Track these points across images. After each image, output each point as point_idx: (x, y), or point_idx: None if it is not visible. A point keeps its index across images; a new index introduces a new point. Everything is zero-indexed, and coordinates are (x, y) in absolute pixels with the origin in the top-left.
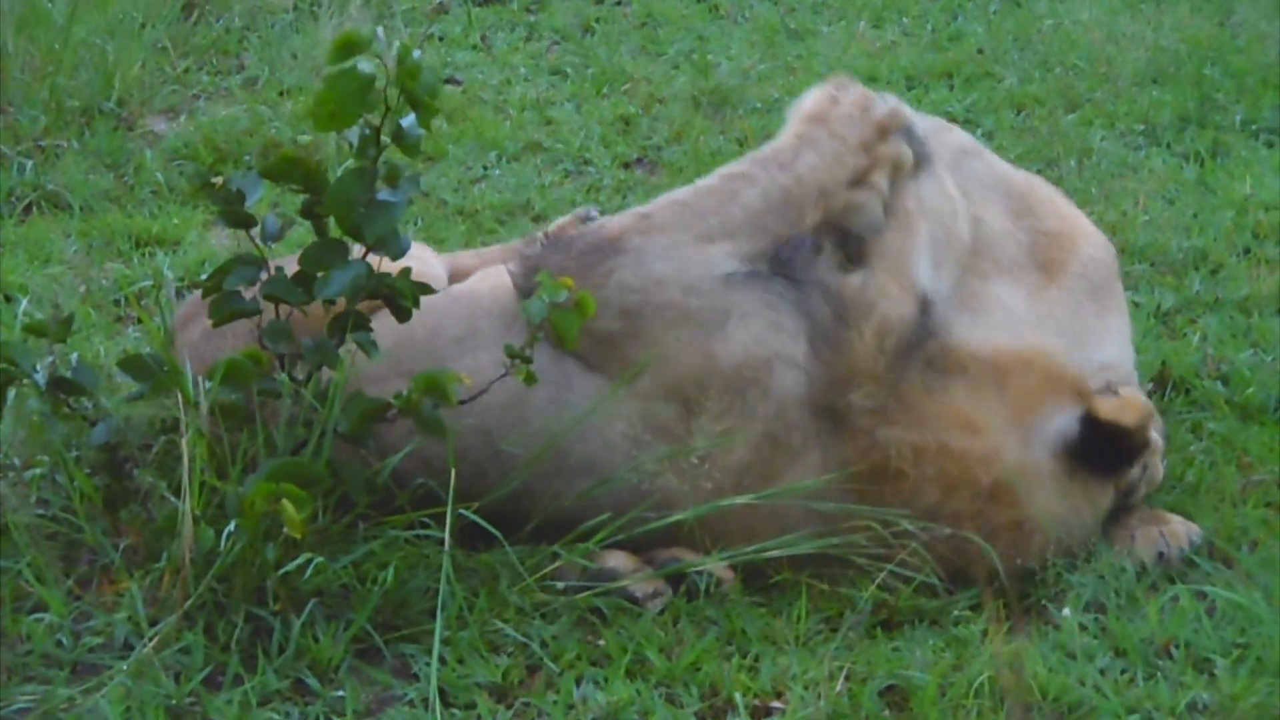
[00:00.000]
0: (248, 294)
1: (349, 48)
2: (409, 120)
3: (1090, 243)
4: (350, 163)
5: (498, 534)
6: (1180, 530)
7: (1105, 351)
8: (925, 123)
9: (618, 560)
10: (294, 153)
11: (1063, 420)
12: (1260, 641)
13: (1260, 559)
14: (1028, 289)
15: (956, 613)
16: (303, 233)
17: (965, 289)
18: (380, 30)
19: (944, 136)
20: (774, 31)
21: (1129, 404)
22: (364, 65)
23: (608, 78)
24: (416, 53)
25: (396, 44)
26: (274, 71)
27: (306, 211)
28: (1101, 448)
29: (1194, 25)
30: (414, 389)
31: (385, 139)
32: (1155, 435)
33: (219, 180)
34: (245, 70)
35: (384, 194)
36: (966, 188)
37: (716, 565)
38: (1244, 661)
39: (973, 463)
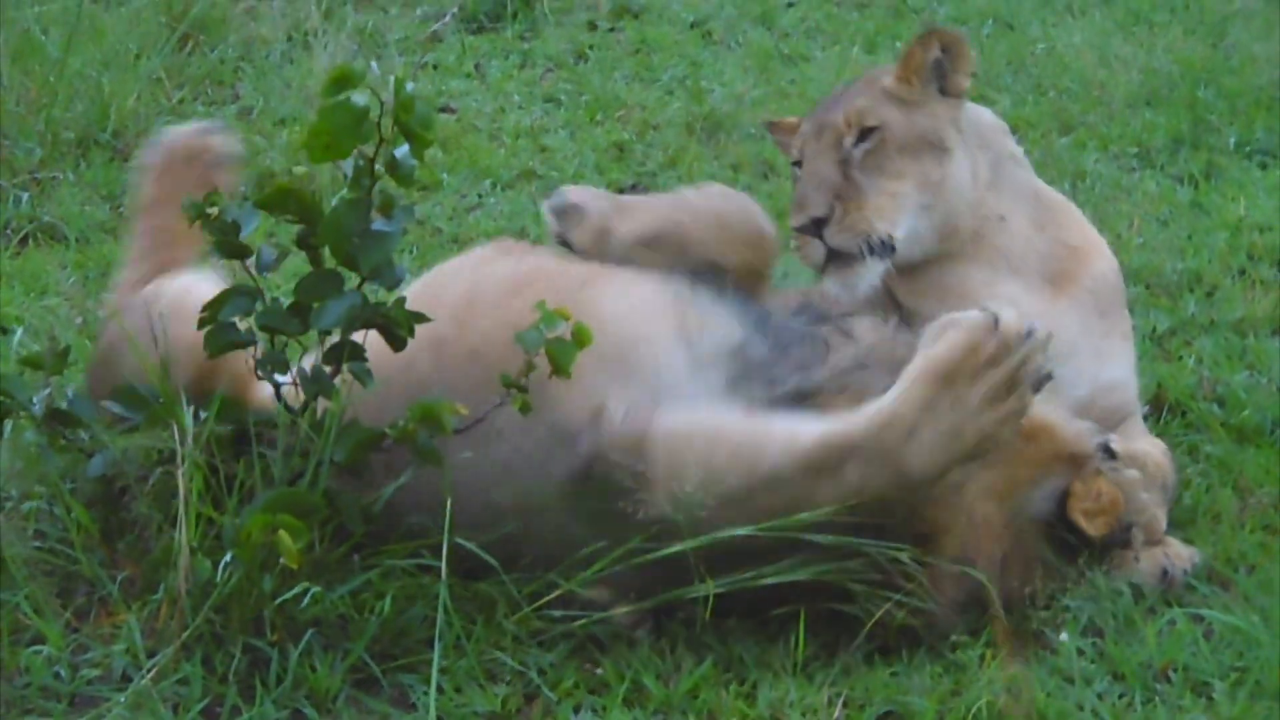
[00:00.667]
0: (243, 325)
1: (343, 82)
2: (403, 151)
3: (1104, 263)
4: (345, 193)
5: (494, 563)
6: (1183, 552)
7: (1109, 372)
8: (985, 117)
9: (597, 592)
10: (289, 183)
11: (1045, 492)
12: (1258, 665)
13: (1258, 582)
14: (1040, 297)
15: (955, 638)
16: (298, 263)
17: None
18: (375, 64)
19: (997, 137)
20: (767, 57)
21: (1102, 512)
22: (357, 98)
23: (601, 104)
24: (410, 85)
25: (391, 77)
26: (269, 102)
27: (301, 242)
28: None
29: (1187, 47)
30: (409, 418)
31: (379, 169)
32: (1146, 496)
33: (214, 211)
34: (240, 100)
35: (379, 224)
36: (1001, 187)
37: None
38: (1242, 685)
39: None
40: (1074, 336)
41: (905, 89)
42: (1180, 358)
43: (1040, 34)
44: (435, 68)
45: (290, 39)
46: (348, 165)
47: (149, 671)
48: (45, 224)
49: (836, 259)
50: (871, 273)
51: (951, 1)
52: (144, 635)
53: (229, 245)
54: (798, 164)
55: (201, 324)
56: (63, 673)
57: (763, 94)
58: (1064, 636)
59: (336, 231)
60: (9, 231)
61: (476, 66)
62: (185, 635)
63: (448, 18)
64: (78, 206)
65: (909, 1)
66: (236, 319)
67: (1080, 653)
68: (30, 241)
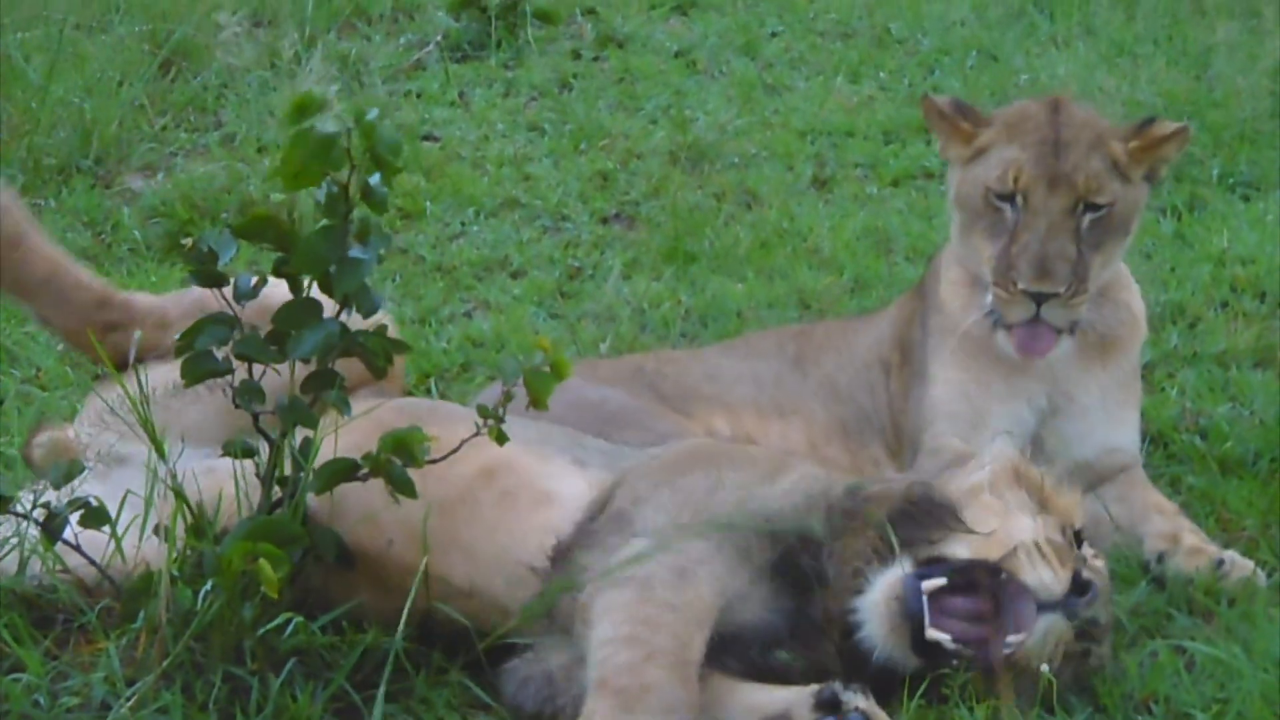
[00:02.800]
0: (220, 353)
1: (304, 109)
2: (376, 177)
3: (1144, 330)
4: (323, 221)
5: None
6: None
7: (1117, 438)
8: None
9: None
10: (266, 211)
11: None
12: (1240, 696)
13: (1239, 613)
14: (1087, 365)
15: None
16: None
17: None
18: (333, 90)
19: None
20: (751, 87)
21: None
22: (325, 125)
23: (585, 133)
24: (373, 111)
25: (357, 106)
26: (251, 128)
27: (279, 270)
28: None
29: (1170, 79)
30: (382, 449)
31: (354, 196)
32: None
33: (189, 242)
34: (223, 127)
35: (355, 251)
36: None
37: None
38: (1224, 716)
39: None
40: (1097, 402)
41: (1133, 168)
42: (1163, 389)
43: (1024, 65)
44: (419, 95)
45: (273, 66)
46: (320, 193)
47: (129, 700)
48: None
49: (1033, 325)
50: (1062, 347)
51: (935, 32)
52: (123, 664)
53: (206, 274)
54: (1008, 198)
55: (178, 352)
56: (42, 700)
57: (746, 123)
58: (1045, 668)
59: (312, 259)
60: None
61: (460, 94)
62: (165, 664)
63: (431, 46)
64: (59, 233)
65: (892, 31)
66: (214, 347)
67: (1061, 684)
68: None
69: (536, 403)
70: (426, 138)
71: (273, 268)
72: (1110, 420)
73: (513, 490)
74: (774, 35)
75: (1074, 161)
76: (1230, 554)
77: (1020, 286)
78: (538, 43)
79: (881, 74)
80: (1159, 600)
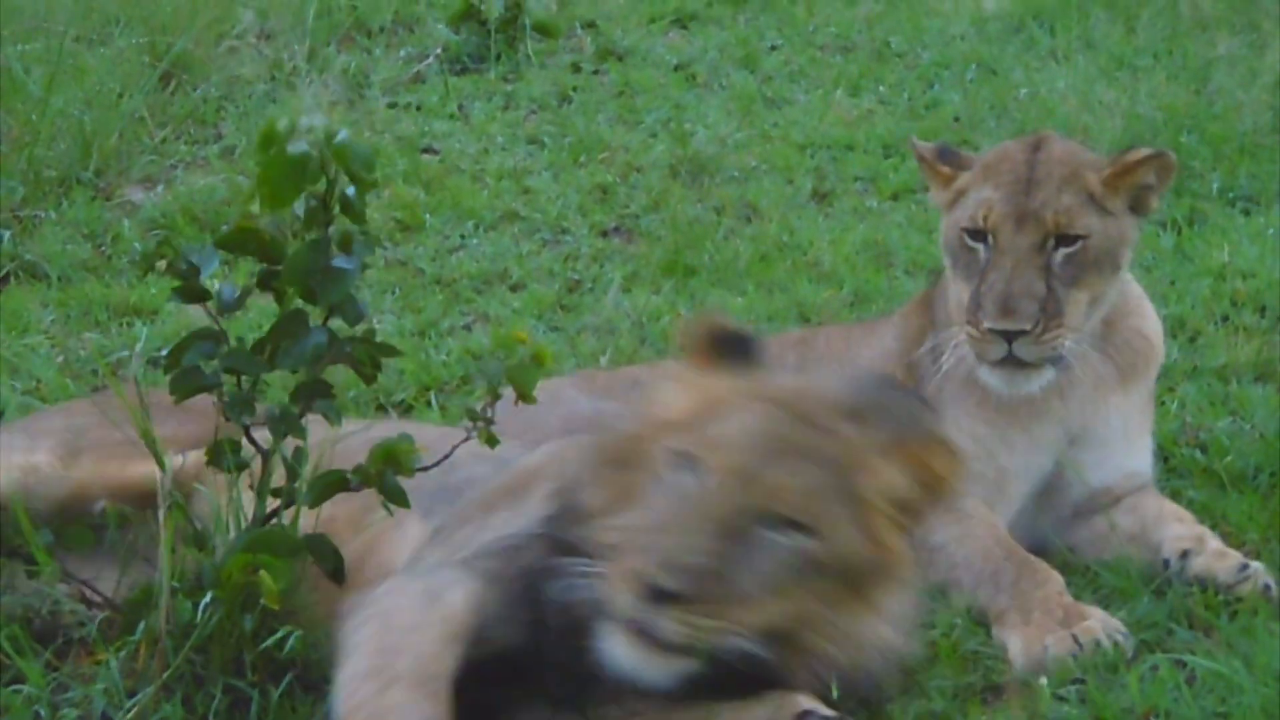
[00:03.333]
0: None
1: (271, 139)
2: (352, 190)
3: (1162, 354)
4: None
5: None
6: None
7: (1135, 462)
8: None
9: None
10: (249, 224)
11: None
12: (1240, 710)
13: (1240, 627)
14: (1107, 392)
15: (934, 684)
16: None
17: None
18: (305, 120)
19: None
20: (751, 100)
21: None
22: (296, 145)
23: (585, 146)
24: (343, 133)
25: (322, 127)
26: (251, 141)
27: (264, 282)
28: None
29: (1170, 93)
30: (372, 460)
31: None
32: None
33: (163, 262)
34: (223, 139)
35: (339, 260)
36: None
37: None
38: None
39: None
40: (1116, 429)
41: (1110, 199)
42: (1163, 403)
43: (1023, 79)
44: (419, 108)
45: (274, 78)
46: (299, 208)
47: (129, 711)
48: (27, 262)
49: (1012, 363)
50: (1043, 380)
51: (935, 46)
52: (124, 675)
53: (190, 289)
54: (977, 234)
55: (167, 369)
56: (43, 712)
57: (746, 137)
58: (1044, 682)
59: (298, 271)
60: None
61: (460, 107)
62: (165, 675)
63: (431, 59)
64: (60, 245)
65: (892, 45)
66: (201, 362)
67: (1062, 699)
68: (12, 280)
69: (523, 396)
70: (426, 150)
71: (257, 280)
72: (1130, 446)
73: (372, 540)
74: (773, 49)
75: (1043, 198)
76: (1257, 564)
77: (986, 325)
78: (537, 56)
79: (881, 88)
80: (1159, 614)
